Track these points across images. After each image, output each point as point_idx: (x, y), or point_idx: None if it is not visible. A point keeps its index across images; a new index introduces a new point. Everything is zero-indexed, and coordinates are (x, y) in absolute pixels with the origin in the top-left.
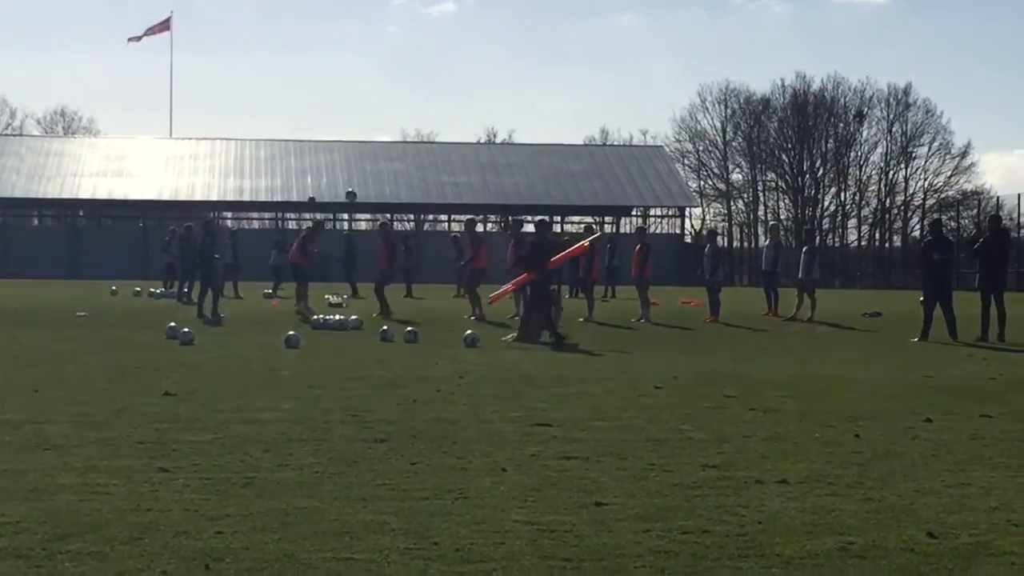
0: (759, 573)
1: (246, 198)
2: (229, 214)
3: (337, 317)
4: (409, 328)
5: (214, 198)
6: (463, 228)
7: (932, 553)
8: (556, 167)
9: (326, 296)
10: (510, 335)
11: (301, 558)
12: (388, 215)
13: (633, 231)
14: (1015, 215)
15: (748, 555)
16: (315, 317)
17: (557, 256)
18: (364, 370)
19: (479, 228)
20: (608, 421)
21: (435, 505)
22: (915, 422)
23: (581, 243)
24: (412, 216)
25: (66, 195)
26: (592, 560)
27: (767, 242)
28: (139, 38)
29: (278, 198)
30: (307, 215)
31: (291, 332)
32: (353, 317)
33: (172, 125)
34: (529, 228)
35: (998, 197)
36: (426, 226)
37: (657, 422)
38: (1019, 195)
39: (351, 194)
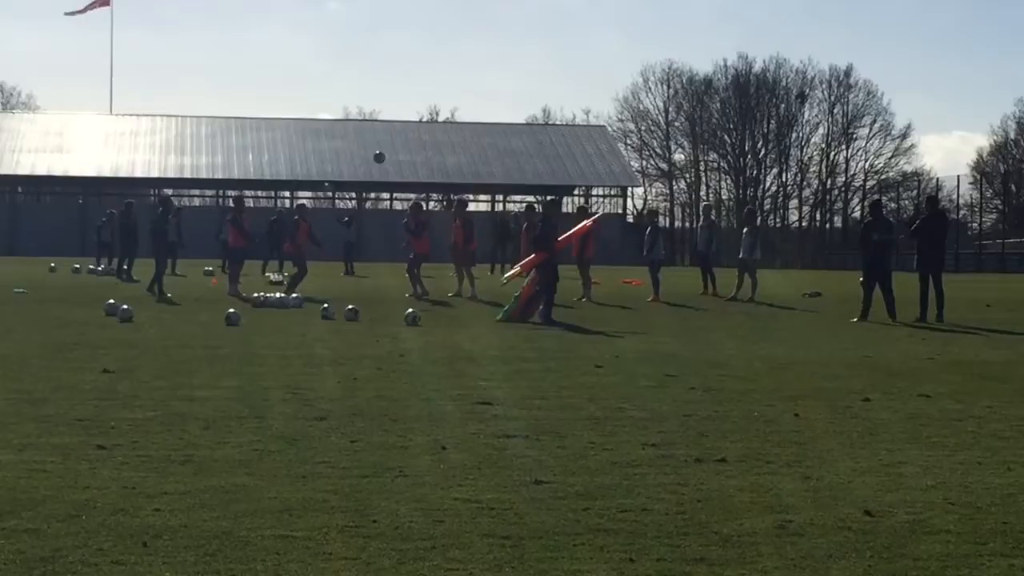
0: (697, 551)
1: (187, 175)
2: (170, 191)
3: (278, 295)
4: (350, 306)
5: (155, 175)
6: (408, 210)
7: (869, 531)
8: (499, 146)
9: (267, 274)
10: (501, 312)
11: (240, 535)
12: (330, 191)
13: (575, 210)
14: (954, 196)
15: (687, 533)
16: (256, 295)
17: (563, 236)
18: (304, 348)
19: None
20: (548, 400)
21: (375, 483)
22: (854, 401)
23: (584, 223)
24: (354, 194)
25: (4, 171)
26: (532, 538)
27: (701, 223)
28: (79, 12)
29: (219, 175)
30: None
31: (231, 310)
32: (294, 295)
33: (112, 101)
34: (473, 207)
35: (937, 178)
36: (368, 204)
37: (597, 401)
38: (958, 177)
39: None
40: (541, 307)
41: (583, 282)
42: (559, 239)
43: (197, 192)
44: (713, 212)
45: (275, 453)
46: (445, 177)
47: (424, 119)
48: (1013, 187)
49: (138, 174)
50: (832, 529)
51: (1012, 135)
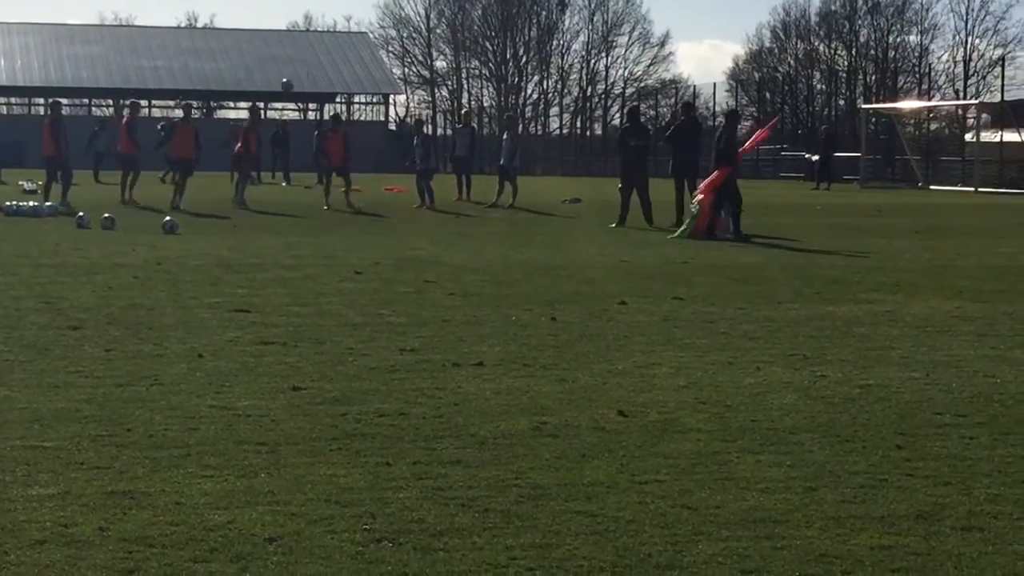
0: (453, 453)
1: None
2: None
3: (31, 203)
4: (106, 215)
5: None
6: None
7: (622, 431)
8: (259, 53)
9: (20, 182)
10: (679, 231)
11: None
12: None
13: (329, 118)
14: (711, 104)
15: (443, 436)
16: (7, 204)
17: (743, 147)
18: (58, 257)
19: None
20: (307, 306)
21: (129, 392)
22: (610, 305)
23: (760, 131)
24: (111, 101)
25: None
26: (288, 444)
27: (459, 126)
28: None
29: None
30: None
31: None
32: (48, 203)
33: None
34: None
35: (695, 86)
36: (126, 112)
37: (356, 307)
38: (715, 84)
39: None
40: (728, 222)
41: (345, 189)
42: (739, 150)
43: None
44: (473, 118)
45: (26, 363)
46: (205, 84)
47: (183, 25)
48: (768, 95)
49: None
50: (586, 429)
51: (767, 43)
